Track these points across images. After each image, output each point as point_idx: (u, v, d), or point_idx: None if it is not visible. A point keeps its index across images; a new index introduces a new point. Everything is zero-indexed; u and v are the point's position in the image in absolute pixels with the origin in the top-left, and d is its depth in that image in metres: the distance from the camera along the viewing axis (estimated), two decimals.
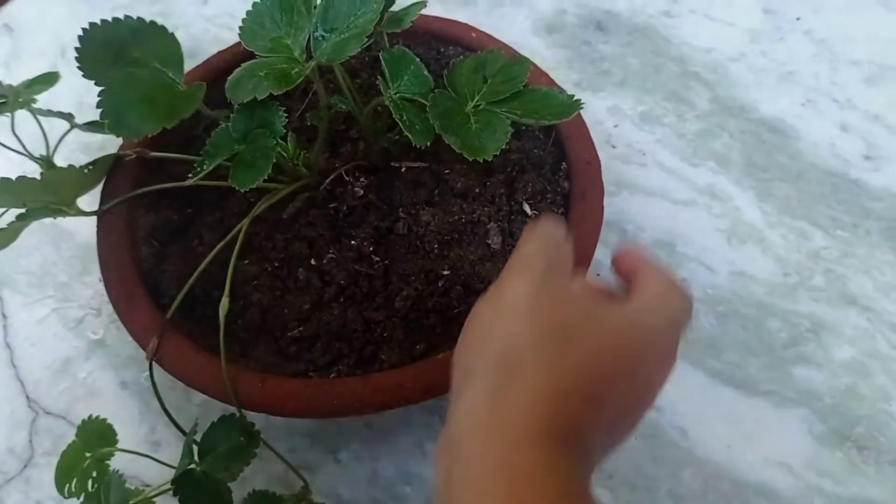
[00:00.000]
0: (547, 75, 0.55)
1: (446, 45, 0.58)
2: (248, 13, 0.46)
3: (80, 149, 0.69)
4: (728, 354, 0.55)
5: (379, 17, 0.44)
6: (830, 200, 0.61)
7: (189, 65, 0.57)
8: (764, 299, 0.57)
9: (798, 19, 0.72)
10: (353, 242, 0.47)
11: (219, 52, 0.56)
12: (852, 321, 0.56)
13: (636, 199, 0.62)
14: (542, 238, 0.37)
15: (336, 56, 0.42)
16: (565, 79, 0.70)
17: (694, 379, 0.54)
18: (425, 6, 0.47)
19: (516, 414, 0.30)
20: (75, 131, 0.52)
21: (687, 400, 0.53)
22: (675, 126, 0.66)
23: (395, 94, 0.44)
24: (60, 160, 0.51)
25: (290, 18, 0.45)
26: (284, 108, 0.44)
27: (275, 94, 0.41)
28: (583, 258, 0.48)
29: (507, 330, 0.33)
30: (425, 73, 0.46)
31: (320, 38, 0.44)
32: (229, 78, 0.43)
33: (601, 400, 0.31)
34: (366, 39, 0.42)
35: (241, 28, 0.45)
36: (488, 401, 0.30)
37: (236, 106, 0.44)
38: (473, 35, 0.57)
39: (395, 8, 0.48)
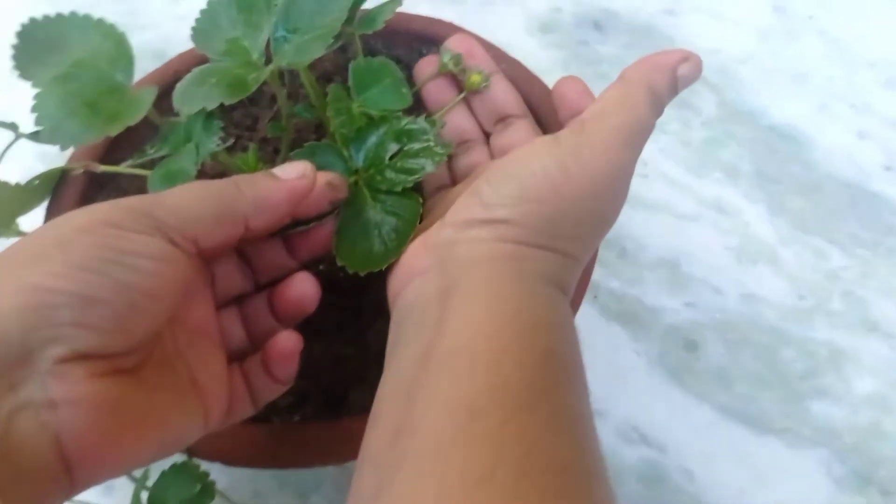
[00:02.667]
0: (540, 80, 0.49)
1: (429, 46, 0.53)
2: (202, 12, 0.41)
3: (38, 158, 0.64)
4: (738, 387, 0.50)
5: (348, 17, 0.40)
6: (848, 215, 0.56)
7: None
8: (777, 325, 0.52)
9: (811, 18, 0.67)
10: (320, 267, 0.42)
11: (180, 55, 0.51)
12: (874, 350, 0.51)
13: (637, 214, 0.58)
14: (651, 113, 0.34)
15: (298, 59, 0.37)
16: None
17: (701, 415, 0.49)
18: (401, 4, 0.41)
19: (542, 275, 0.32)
20: (30, 142, 0.47)
21: (693, 439, 0.48)
22: (680, 134, 0.61)
23: (358, 106, 0.39)
24: (14, 173, 0.46)
25: (248, 17, 0.40)
26: (224, 125, 0.38)
27: (227, 103, 0.36)
28: (581, 281, 0.43)
29: (584, 200, 0.32)
30: (404, 90, 0.41)
31: (282, 40, 0.39)
32: (177, 85, 0.38)
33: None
34: (332, 40, 0.37)
35: (193, 28, 0.40)
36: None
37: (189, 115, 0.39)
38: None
39: (368, 5, 0.43)
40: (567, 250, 0.32)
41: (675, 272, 0.55)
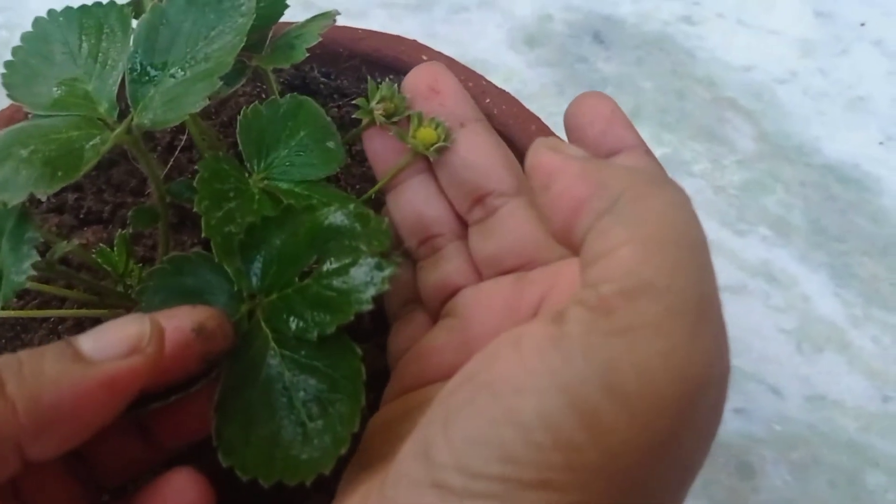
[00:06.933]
0: (538, 121, 0.36)
1: (385, 73, 0.39)
2: (24, 37, 0.26)
3: None
4: None
5: (252, 41, 0.26)
6: None
7: None
8: (858, 438, 0.40)
9: (863, 25, 0.54)
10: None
11: (7, 109, 0.35)
12: None
13: None
14: None
15: (168, 117, 0.23)
16: (555, 110, 0.51)
17: None
18: (333, 22, 0.28)
19: None
20: None
21: None
22: (710, 176, 0.48)
23: (262, 179, 0.25)
24: None
25: (95, 45, 0.26)
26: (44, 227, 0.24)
27: (43, 195, 0.22)
28: None
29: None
30: (331, 144, 0.27)
31: (143, 79, 0.25)
32: None
33: None
34: (219, 83, 0.23)
35: (7, 65, 0.26)
36: None
37: None
38: (425, 58, 0.38)
39: (290, 16, 0.29)
40: None
41: None
